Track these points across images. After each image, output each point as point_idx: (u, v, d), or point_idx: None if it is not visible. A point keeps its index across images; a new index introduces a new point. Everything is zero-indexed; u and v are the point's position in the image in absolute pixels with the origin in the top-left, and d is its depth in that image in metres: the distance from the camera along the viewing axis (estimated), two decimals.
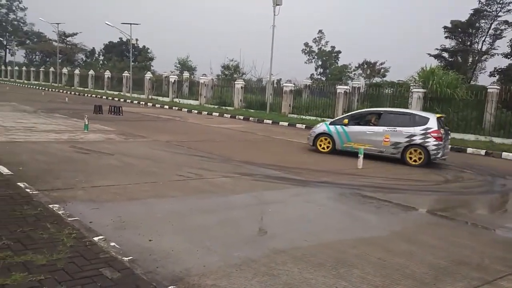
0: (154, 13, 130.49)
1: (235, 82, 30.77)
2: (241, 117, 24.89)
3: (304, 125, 22.16)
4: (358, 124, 12.83)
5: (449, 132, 13.61)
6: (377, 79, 47.20)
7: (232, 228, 5.70)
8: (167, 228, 5.45)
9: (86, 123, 14.33)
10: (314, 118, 24.84)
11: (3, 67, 73.51)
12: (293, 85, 27.61)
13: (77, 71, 51.67)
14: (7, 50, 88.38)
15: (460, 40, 43.67)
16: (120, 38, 65.33)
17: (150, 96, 37.94)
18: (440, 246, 5.58)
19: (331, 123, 13.19)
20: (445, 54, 43.86)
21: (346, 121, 12.71)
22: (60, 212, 5.29)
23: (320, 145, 13.06)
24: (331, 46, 61.59)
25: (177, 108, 29.85)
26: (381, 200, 7.83)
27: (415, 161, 11.72)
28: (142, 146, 12.09)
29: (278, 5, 25.89)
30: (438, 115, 12.58)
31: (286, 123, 22.94)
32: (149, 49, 64.31)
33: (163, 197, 6.95)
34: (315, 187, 8.56)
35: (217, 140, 14.71)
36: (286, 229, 5.82)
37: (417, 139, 11.66)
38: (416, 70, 23.08)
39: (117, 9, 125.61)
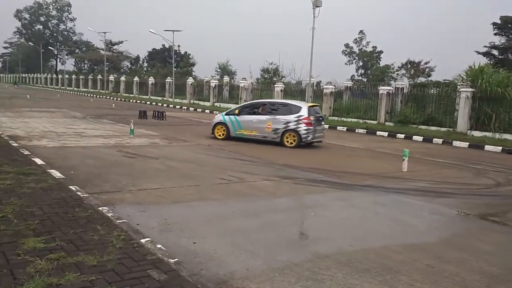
0: (195, 19, 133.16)
1: (275, 85, 30.80)
2: None
3: (345, 128, 21.84)
4: (249, 114, 14.54)
5: (322, 118, 15.03)
6: (421, 79, 45.63)
7: (274, 232, 5.69)
8: (211, 230, 5.52)
9: (132, 128, 14.82)
10: (355, 120, 24.40)
11: (54, 76, 77.42)
12: (333, 87, 27.27)
13: (123, 78, 53.61)
14: (58, 59, 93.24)
15: (510, 36, 41.62)
16: (163, 45, 67.42)
17: (191, 101, 38.68)
18: (493, 253, 5.33)
19: (226, 114, 14.91)
20: (495, 52, 41.94)
21: (237, 111, 14.64)
22: (109, 215, 5.50)
23: (217, 133, 14.81)
24: (373, 46, 60.45)
25: (218, 112, 30.20)
26: (428, 205, 7.57)
27: (291, 143, 13.68)
28: (185, 150, 12.34)
29: (318, 6, 25.61)
30: (310, 104, 14.68)
31: (326, 126, 22.63)
32: (190, 54, 65.76)
33: (206, 200, 7.06)
34: (359, 190, 8.40)
35: (258, 143, 14.75)
36: (330, 234, 5.75)
37: (292, 125, 13.69)
38: (463, 69, 22.17)
39: (160, 17, 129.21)
